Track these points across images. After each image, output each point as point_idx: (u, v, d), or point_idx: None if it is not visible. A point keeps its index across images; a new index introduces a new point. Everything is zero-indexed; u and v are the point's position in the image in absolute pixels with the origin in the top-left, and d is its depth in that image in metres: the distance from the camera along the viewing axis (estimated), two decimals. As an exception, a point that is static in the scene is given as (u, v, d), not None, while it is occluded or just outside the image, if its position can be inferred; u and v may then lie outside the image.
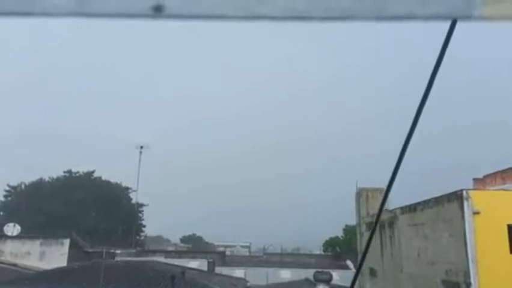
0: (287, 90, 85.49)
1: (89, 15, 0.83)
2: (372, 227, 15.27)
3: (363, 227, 20.74)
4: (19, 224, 28.60)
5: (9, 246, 26.71)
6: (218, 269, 27.68)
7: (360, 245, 21.33)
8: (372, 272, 18.65)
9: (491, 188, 14.43)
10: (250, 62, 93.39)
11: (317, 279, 17.59)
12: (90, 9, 0.82)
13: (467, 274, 10.70)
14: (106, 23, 0.85)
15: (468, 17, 0.79)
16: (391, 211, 16.18)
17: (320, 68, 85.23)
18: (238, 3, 0.77)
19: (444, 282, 11.95)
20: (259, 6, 0.76)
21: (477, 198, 11.13)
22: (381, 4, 0.78)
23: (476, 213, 10.91)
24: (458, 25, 1.44)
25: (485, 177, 16.62)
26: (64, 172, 55.51)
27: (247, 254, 54.97)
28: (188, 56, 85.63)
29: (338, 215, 43.11)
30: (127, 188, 54.54)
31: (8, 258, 25.53)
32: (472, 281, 10.54)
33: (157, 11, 0.80)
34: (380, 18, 0.78)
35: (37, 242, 27.11)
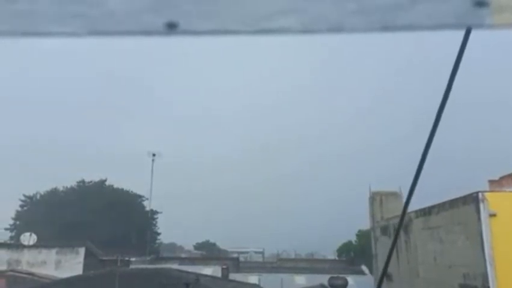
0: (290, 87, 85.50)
1: (103, 34, 0.84)
2: (396, 231, 15.03)
3: (378, 232, 20.52)
4: (35, 233, 28.89)
5: (26, 256, 26.99)
6: (232, 276, 27.56)
7: (375, 250, 21.10)
8: (388, 277, 18.44)
9: (508, 190, 14.18)
10: (246, 68, 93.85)
11: (332, 285, 17.43)
12: (103, 28, 0.83)
13: (485, 277, 10.50)
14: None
15: (479, 26, 0.78)
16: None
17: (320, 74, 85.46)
18: (248, 19, 0.78)
19: (462, 286, 11.74)
20: (268, 22, 0.77)
21: (493, 200, 10.95)
22: (387, 15, 0.77)
23: (492, 215, 10.73)
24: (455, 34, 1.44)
25: (501, 178, 16.34)
26: (77, 182, 56.13)
27: (261, 260, 54.72)
28: (195, 66, 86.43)
29: (352, 219, 42.73)
30: (140, 196, 54.85)
31: (24, 267, 25.82)
32: (491, 284, 10.34)
33: (171, 28, 0.80)
34: (386, 29, 0.77)
35: (53, 251, 27.34)
